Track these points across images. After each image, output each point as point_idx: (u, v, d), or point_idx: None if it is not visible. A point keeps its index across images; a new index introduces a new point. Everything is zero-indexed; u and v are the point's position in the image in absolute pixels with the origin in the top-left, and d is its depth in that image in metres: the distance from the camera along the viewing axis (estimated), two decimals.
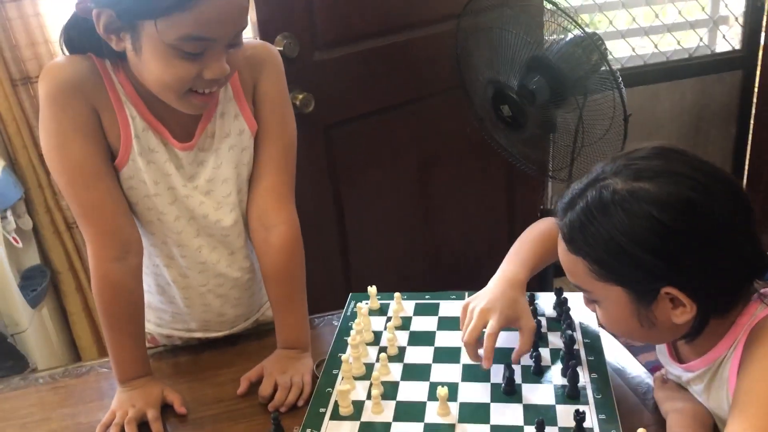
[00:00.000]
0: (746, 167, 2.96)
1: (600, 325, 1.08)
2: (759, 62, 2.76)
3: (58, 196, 2.00)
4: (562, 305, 1.20)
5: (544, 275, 2.17)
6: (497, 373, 1.08)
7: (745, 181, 2.99)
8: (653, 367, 1.14)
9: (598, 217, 0.83)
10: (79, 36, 1.01)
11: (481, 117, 1.99)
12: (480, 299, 1.10)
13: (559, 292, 1.24)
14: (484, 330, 1.05)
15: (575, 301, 1.22)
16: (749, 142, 2.90)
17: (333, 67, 1.91)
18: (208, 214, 1.13)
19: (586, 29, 1.75)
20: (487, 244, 2.46)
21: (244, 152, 1.14)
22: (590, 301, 0.94)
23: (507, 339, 1.14)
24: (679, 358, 0.99)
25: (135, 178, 1.07)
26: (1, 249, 1.82)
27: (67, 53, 1.03)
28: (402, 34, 2.01)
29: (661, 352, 1.04)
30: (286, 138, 1.16)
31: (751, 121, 2.87)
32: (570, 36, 1.78)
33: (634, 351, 1.19)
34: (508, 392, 1.04)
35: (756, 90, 2.81)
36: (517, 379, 1.06)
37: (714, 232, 0.81)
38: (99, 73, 1.01)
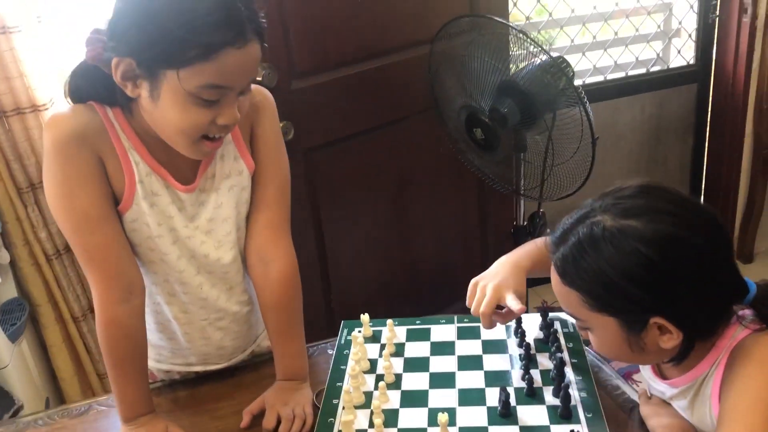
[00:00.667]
0: (703, 176, 3.09)
1: (588, 346, 1.14)
2: (712, 76, 2.89)
3: (37, 228, 1.98)
4: (549, 327, 1.26)
5: None
6: (492, 396, 1.13)
7: (702, 188, 3.12)
8: (625, 373, 1.21)
9: (590, 252, 0.89)
10: (86, 83, 1.04)
11: (455, 139, 2.05)
12: (489, 278, 1.19)
13: (544, 314, 1.30)
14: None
15: (563, 320, 1.28)
16: (705, 152, 3.03)
17: (311, 95, 1.95)
18: (209, 253, 1.16)
19: (553, 54, 1.83)
20: (461, 260, 2.52)
21: (243, 191, 1.17)
22: (583, 329, 1.00)
23: (500, 362, 1.19)
24: (662, 375, 1.06)
25: (138, 221, 1.10)
26: None
27: (70, 100, 1.06)
28: (376, 60, 2.07)
29: (645, 369, 1.10)
30: (282, 176, 1.20)
31: (707, 133, 2.99)
32: (538, 61, 1.86)
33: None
34: (504, 415, 1.09)
35: (710, 102, 2.94)
36: (512, 401, 1.11)
37: (698, 264, 0.87)
38: (102, 122, 1.04)
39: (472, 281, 1.20)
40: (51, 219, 2.02)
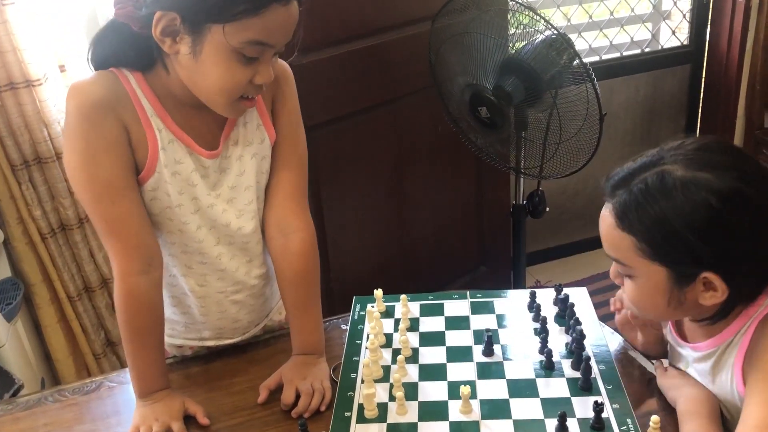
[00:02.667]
0: None
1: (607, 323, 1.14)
2: (705, 57, 2.91)
3: (31, 206, 1.94)
4: (564, 301, 1.26)
5: (518, 267, 2.26)
6: (511, 369, 1.13)
7: None
8: None
9: (658, 199, 0.89)
10: (109, 48, 1.02)
11: (455, 118, 2.04)
12: None
13: (558, 289, 1.30)
14: None
15: (575, 296, 1.28)
16: (697, 132, 3.05)
17: (312, 71, 1.92)
18: (230, 222, 1.15)
19: (556, 30, 1.82)
20: (459, 239, 2.52)
21: (264, 161, 1.16)
22: (622, 276, 1.00)
23: (516, 335, 1.19)
24: (683, 337, 1.07)
25: (159, 190, 1.08)
26: None
27: (92, 66, 1.04)
28: (377, 37, 2.05)
29: (668, 331, 1.11)
30: (301, 148, 1.20)
31: (699, 113, 3.01)
32: (541, 37, 1.85)
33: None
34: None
35: (703, 83, 2.96)
36: (532, 374, 1.12)
37: (759, 223, 0.88)
38: (125, 89, 1.02)
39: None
40: (45, 197, 1.99)
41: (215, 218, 1.14)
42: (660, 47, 2.94)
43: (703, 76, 2.95)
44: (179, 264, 1.17)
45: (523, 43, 1.86)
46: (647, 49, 2.91)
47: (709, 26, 2.86)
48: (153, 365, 1.11)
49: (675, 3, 2.92)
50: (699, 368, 1.03)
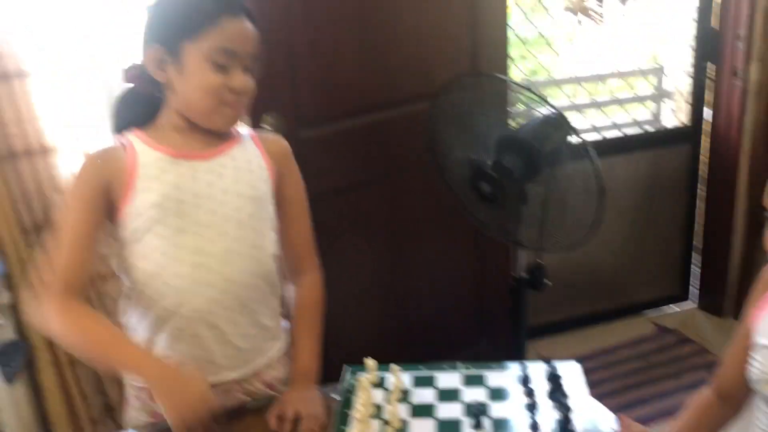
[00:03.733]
0: (697, 231, 3.13)
1: None
2: (705, 137, 2.96)
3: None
4: (555, 378, 1.26)
5: (519, 340, 2.25)
6: None
7: (697, 246, 3.15)
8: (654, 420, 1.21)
9: None
10: (120, 117, 1.30)
11: (456, 193, 2.08)
12: None
13: (549, 364, 1.30)
14: None
15: (566, 370, 1.29)
16: (696, 211, 3.08)
17: (315, 144, 1.99)
18: (214, 223, 1.25)
19: (553, 109, 1.88)
20: (458, 311, 2.52)
21: (265, 184, 1.32)
22: None
23: (507, 409, 1.19)
24: None
25: (142, 205, 1.22)
26: None
27: (114, 130, 1.30)
28: (379, 113, 2.12)
29: None
30: (307, 206, 1.45)
31: (698, 192, 3.05)
32: (539, 115, 1.91)
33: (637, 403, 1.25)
34: None
35: (705, 162, 3.00)
36: None
37: None
38: (124, 150, 1.24)
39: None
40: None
41: (199, 220, 1.24)
42: (661, 126, 3.00)
43: (705, 155, 2.99)
44: (159, 283, 1.25)
45: (522, 120, 1.92)
46: (648, 128, 2.98)
47: (708, 107, 2.92)
48: (136, 354, 1.22)
49: (674, 85, 3.00)
50: None
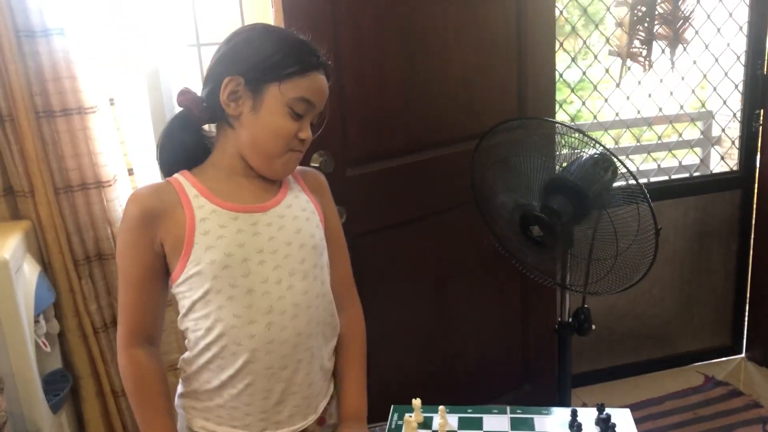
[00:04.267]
0: (748, 280, 3.04)
1: None
2: (756, 183, 2.91)
3: (88, 300, 2.02)
4: (606, 422, 1.23)
5: (563, 386, 2.20)
6: None
7: (748, 295, 3.07)
8: None
9: None
10: (167, 155, 1.28)
11: (499, 236, 2.07)
12: None
13: (600, 408, 1.27)
14: None
15: (618, 417, 1.25)
16: (750, 258, 3.01)
17: (363, 182, 2.01)
18: (281, 278, 1.23)
19: (600, 149, 1.87)
20: (502, 354, 2.49)
21: (318, 229, 1.31)
22: None
23: None
24: None
25: (202, 262, 1.19)
26: (31, 353, 1.83)
27: (159, 166, 1.30)
28: (425, 153, 2.14)
29: None
30: (344, 240, 1.44)
31: (751, 240, 2.98)
32: (585, 155, 1.90)
33: None
34: None
35: (755, 209, 2.94)
36: None
37: None
38: (176, 193, 1.22)
39: None
40: (102, 292, 2.07)
41: (266, 277, 1.22)
42: (709, 172, 2.96)
43: (755, 201, 2.93)
44: (231, 343, 1.22)
45: (566, 163, 1.91)
46: (695, 173, 2.94)
47: (759, 153, 2.88)
48: (165, 428, 1.21)
49: (723, 130, 2.96)
50: None
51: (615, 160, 1.83)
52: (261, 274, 1.21)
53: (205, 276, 1.18)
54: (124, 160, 2.08)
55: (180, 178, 1.25)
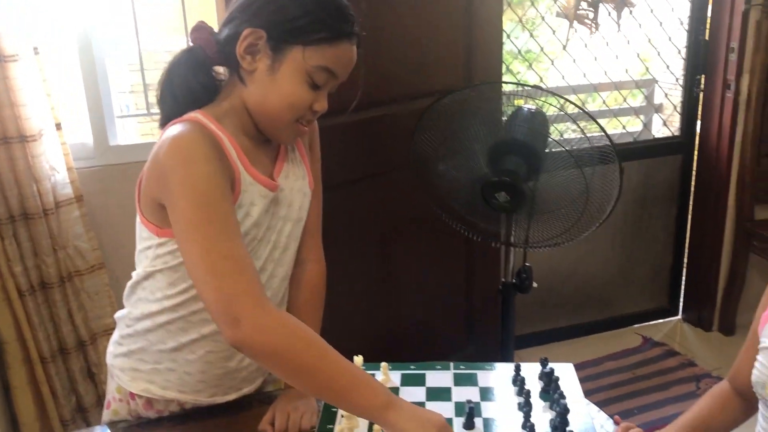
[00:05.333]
0: (686, 244, 3.11)
1: None
2: (696, 148, 2.96)
3: (13, 262, 1.91)
4: (549, 376, 1.22)
5: (506, 345, 2.21)
6: None
7: (685, 259, 3.14)
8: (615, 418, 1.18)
9: None
10: (171, 96, 1.10)
11: (441, 206, 2.03)
12: None
13: (544, 363, 1.26)
14: None
15: (561, 371, 1.24)
16: (689, 222, 3.07)
17: None
18: (275, 256, 1.18)
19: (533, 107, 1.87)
20: (446, 316, 2.48)
21: (306, 198, 1.23)
22: None
23: (499, 409, 1.15)
24: None
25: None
26: None
27: (159, 104, 1.12)
28: (373, 110, 2.08)
29: None
30: (320, 191, 1.32)
31: (691, 203, 3.04)
32: (524, 110, 1.89)
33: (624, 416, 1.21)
34: None
35: (694, 173, 2.99)
36: None
37: None
38: (214, 135, 1.05)
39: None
40: (28, 253, 1.96)
41: (261, 254, 1.16)
42: (652, 137, 2.99)
43: (694, 166, 2.99)
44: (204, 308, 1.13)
45: (507, 121, 1.90)
46: (639, 138, 2.97)
47: (699, 119, 2.92)
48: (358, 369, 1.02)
49: (666, 95, 2.99)
50: None
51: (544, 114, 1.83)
52: (257, 250, 1.15)
53: None
54: (52, 113, 1.96)
55: (207, 122, 1.06)
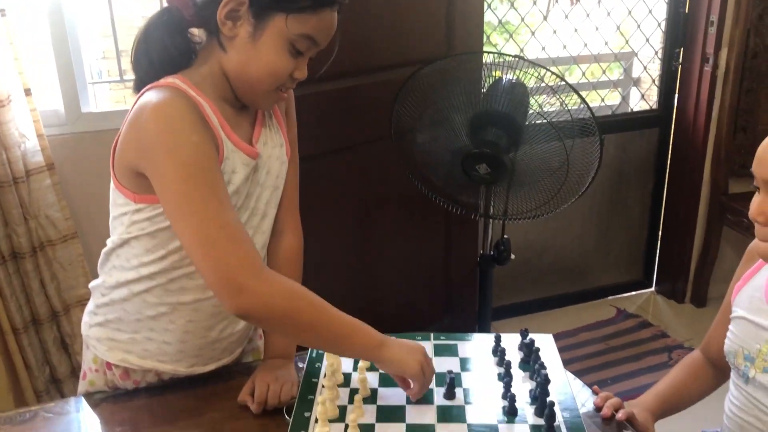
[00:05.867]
0: (662, 217, 3.14)
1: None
2: (673, 122, 2.97)
3: None
4: (530, 346, 1.22)
5: (483, 316, 2.22)
6: (472, 414, 1.08)
7: (660, 231, 3.17)
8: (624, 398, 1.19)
9: None
10: (146, 60, 1.07)
11: (421, 176, 2.02)
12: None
13: (524, 334, 1.26)
14: None
15: (541, 342, 1.25)
16: (664, 195, 3.10)
17: None
18: (253, 223, 1.17)
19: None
20: (425, 288, 2.48)
21: (283, 166, 1.21)
22: None
23: (479, 379, 1.15)
24: None
25: None
26: None
27: (134, 69, 1.09)
28: (351, 80, 2.05)
29: (750, 303, 1.10)
30: (297, 160, 1.29)
31: (666, 175, 3.06)
32: (503, 82, 1.88)
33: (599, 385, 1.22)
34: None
35: (671, 147, 3.01)
36: (494, 419, 1.07)
37: None
38: (194, 101, 1.03)
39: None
40: None
41: (246, 221, 1.15)
42: (630, 110, 3.00)
43: (671, 140, 3.00)
44: (183, 276, 1.12)
45: (488, 91, 1.88)
46: (617, 111, 2.97)
47: (677, 92, 2.93)
48: (369, 329, 1.11)
49: (645, 68, 2.99)
50: None
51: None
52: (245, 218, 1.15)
53: None
54: (20, 78, 1.90)
55: (188, 89, 1.03)
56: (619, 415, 1.11)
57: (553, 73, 1.84)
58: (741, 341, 1.11)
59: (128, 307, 1.15)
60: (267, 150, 1.17)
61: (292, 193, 1.27)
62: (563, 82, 1.90)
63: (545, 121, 1.85)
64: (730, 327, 1.15)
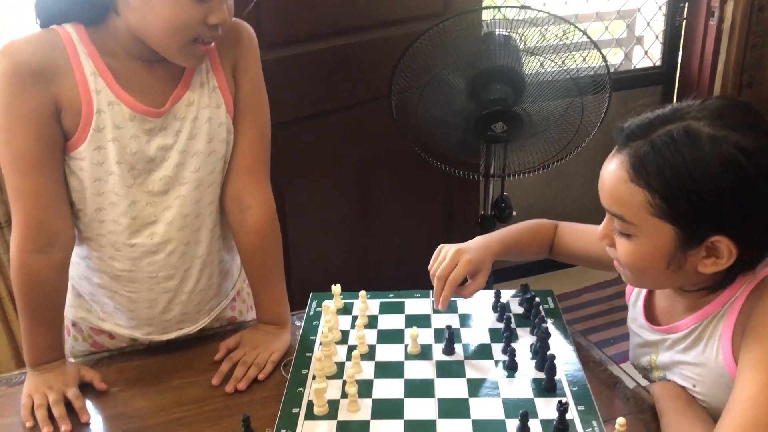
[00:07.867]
0: None
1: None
2: (677, 78, 2.92)
3: None
4: (530, 301, 1.20)
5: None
6: (472, 369, 1.07)
7: None
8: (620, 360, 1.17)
9: (685, 153, 0.83)
10: (53, 4, 0.98)
11: (416, 140, 1.99)
12: (455, 245, 1.17)
13: (525, 288, 1.24)
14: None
15: (541, 297, 1.23)
16: None
17: (278, 68, 1.85)
18: (169, 189, 1.08)
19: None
20: (424, 249, 2.45)
21: (221, 128, 1.09)
22: (618, 234, 0.94)
23: (479, 335, 1.13)
24: (656, 322, 1.03)
25: (89, 159, 1.01)
26: None
27: (39, 23, 1.00)
28: (347, 37, 2.00)
29: (637, 317, 1.08)
30: (263, 118, 1.15)
31: None
32: (496, 36, 1.84)
33: (602, 345, 1.21)
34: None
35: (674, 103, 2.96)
36: (494, 374, 1.05)
37: None
38: (65, 49, 0.96)
39: (440, 246, 1.19)
40: None
41: (156, 188, 1.07)
42: (633, 67, 2.94)
43: (674, 97, 2.95)
44: (108, 245, 1.09)
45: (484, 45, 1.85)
46: (620, 69, 2.92)
47: (681, 48, 2.87)
48: (45, 339, 1.08)
49: (648, 24, 2.93)
50: (675, 351, 0.98)
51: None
52: (147, 185, 1.06)
53: (87, 174, 1.02)
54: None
55: (73, 34, 0.97)
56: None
57: (577, 27, 1.81)
58: (638, 355, 1.10)
59: (81, 271, 1.15)
60: (191, 111, 1.06)
61: (250, 162, 1.14)
62: (587, 37, 1.86)
63: (558, 70, 1.81)
64: (631, 341, 1.12)
